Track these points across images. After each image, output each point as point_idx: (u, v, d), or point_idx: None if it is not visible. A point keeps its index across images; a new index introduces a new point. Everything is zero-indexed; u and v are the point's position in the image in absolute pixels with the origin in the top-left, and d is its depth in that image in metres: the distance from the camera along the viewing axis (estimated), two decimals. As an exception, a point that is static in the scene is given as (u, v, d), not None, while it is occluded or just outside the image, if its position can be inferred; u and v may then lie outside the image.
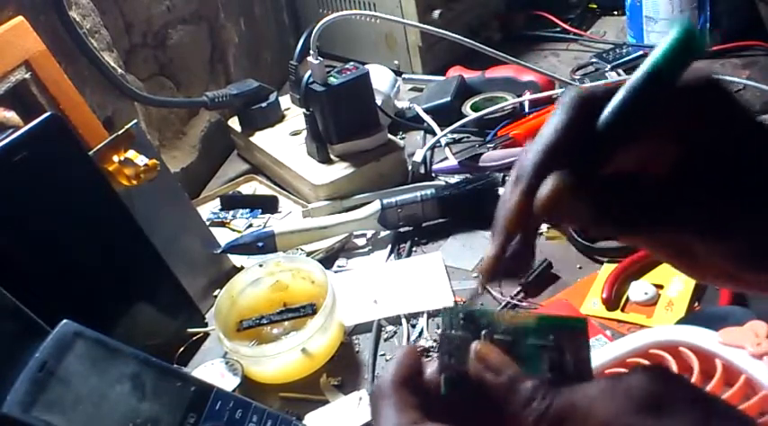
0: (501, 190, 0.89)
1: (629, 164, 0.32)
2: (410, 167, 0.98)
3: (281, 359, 0.70)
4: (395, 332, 0.75)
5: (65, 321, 0.55)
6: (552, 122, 0.32)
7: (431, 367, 0.34)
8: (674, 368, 0.53)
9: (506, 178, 0.91)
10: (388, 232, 0.89)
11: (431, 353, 0.71)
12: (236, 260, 0.88)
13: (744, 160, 0.31)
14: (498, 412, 0.31)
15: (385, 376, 0.33)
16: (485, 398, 0.32)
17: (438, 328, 0.74)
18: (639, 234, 0.34)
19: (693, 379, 0.51)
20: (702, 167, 0.31)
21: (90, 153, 0.71)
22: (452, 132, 1.03)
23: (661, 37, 1.10)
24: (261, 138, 1.06)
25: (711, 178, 0.31)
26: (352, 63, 0.96)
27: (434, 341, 0.72)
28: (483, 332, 0.34)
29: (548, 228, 0.84)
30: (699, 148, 0.31)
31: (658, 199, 0.32)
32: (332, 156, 0.97)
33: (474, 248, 0.84)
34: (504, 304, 0.74)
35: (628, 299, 0.72)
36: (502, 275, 0.34)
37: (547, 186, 0.31)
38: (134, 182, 0.74)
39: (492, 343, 0.34)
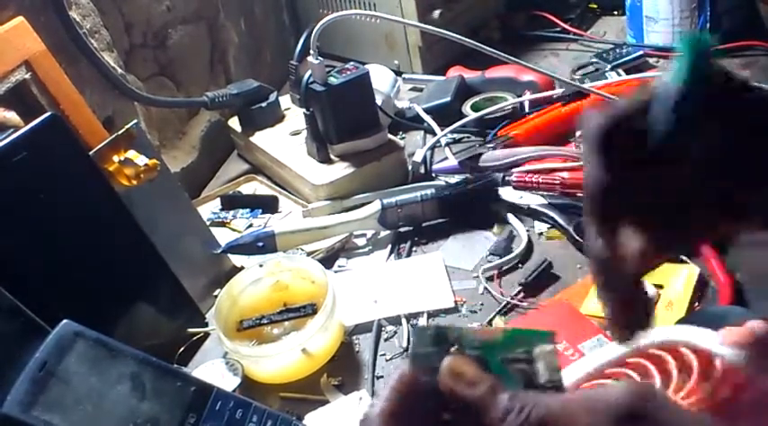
0: (501, 191, 0.89)
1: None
2: (410, 167, 0.98)
3: (280, 359, 0.70)
4: (395, 332, 0.75)
5: (65, 321, 0.55)
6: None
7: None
8: (674, 368, 0.53)
9: (506, 178, 0.91)
10: (388, 232, 0.89)
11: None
12: (237, 260, 0.88)
13: None
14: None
15: (375, 408, 0.32)
16: (460, 413, 0.31)
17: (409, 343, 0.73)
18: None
19: (693, 379, 0.51)
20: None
21: (90, 153, 0.71)
22: (452, 132, 1.03)
23: (661, 37, 1.11)
24: (261, 138, 1.06)
25: None
26: (352, 63, 0.96)
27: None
28: (453, 349, 0.33)
29: (548, 228, 0.84)
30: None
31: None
32: (332, 156, 0.97)
33: (474, 248, 0.84)
34: (504, 304, 0.75)
35: (628, 299, 0.71)
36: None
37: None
38: (134, 182, 0.74)
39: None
